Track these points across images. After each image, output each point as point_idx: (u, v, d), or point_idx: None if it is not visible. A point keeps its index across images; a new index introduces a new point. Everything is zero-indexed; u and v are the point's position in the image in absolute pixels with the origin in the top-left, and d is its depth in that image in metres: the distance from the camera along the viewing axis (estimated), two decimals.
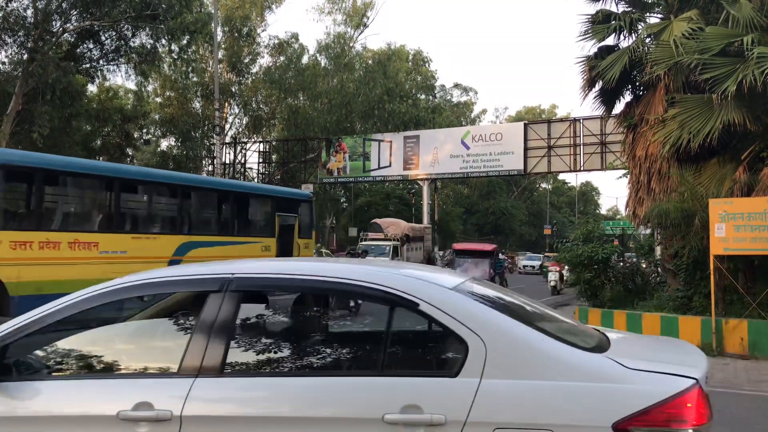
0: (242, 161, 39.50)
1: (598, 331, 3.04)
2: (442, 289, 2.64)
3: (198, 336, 2.62)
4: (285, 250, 16.38)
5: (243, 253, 14.58)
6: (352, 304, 2.93)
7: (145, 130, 39.46)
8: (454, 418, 2.31)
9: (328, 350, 2.75)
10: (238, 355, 2.65)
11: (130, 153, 38.31)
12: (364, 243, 27.86)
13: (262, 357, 2.74)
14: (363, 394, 2.44)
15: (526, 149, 31.17)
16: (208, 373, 2.55)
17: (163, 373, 2.70)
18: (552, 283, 25.27)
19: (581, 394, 2.33)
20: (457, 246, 15.61)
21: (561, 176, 65.76)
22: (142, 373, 2.75)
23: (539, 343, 2.46)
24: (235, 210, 15.88)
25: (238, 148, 39.42)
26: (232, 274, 2.77)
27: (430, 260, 26.39)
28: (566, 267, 25.83)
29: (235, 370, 2.60)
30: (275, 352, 2.76)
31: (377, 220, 30.86)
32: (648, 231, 18.26)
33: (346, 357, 2.71)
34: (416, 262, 25.19)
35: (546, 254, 41.65)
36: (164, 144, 41.15)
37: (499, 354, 2.40)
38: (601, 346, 2.65)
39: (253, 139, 41.12)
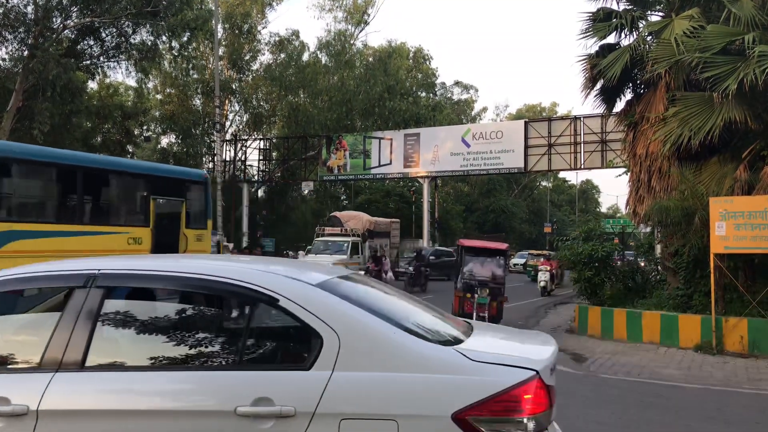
0: (242, 158, 39.50)
1: (468, 323, 3.20)
2: (304, 285, 2.73)
3: (61, 331, 2.67)
4: (165, 243, 13.15)
5: (96, 246, 11.65)
6: (223, 302, 2.98)
7: (145, 127, 39.52)
8: (304, 409, 2.39)
9: (188, 345, 2.78)
10: (99, 350, 2.69)
11: (130, 150, 38.36)
12: (319, 239, 24.36)
13: (122, 352, 2.81)
14: (218, 388, 2.52)
15: (526, 147, 31.17)
16: (69, 368, 2.60)
17: (25, 368, 2.73)
18: (542, 284, 23.48)
19: (425, 386, 2.42)
20: (465, 242, 13.78)
21: (561, 174, 65.75)
22: (4, 369, 2.76)
23: (391, 337, 2.54)
24: (85, 191, 12.44)
25: (239, 145, 39.42)
26: (98, 270, 2.83)
27: (376, 260, 22.02)
28: (556, 266, 24.88)
29: (96, 365, 2.64)
30: (136, 348, 2.84)
31: (337, 213, 27.62)
32: (648, 229, 18.23)
33: (205, 352, 2.74)
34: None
35: (531, 252, 38.11)
36: (164, 141, 41.24)
37: (352, 348, 2.49)
38: (457, 339, 2.75)
39: (253, 137, 41.15)
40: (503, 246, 13.48)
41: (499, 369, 2.46)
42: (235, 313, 2.95)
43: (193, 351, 2.73)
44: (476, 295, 11.53)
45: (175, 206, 13.99)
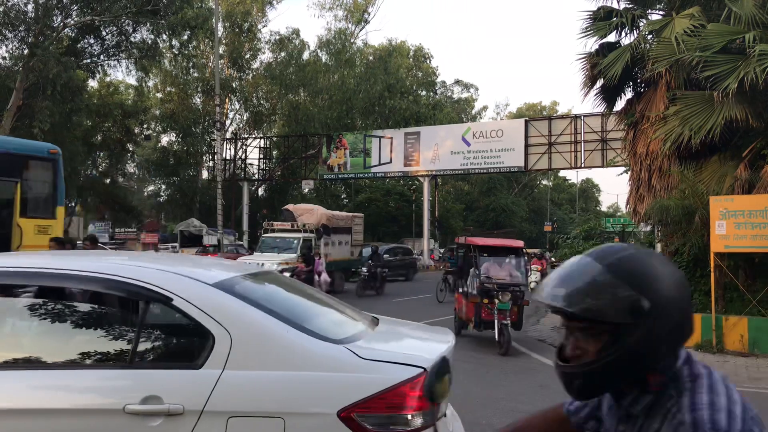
0: (243, 157, 39.50)
1: (375, 318, 3.25)
2: (199, 284, 2.72)
3: None
4: None
5: None
6: (117, 301, 2.94)
7: (145, 126, 39.53)
8: (192, 407, 2.42)
9: (79, 344, 2.77)
10: None
11: (130, 148, 38.37)
12: (267, 236, 21.70)
13: (11, 350, 2.79)
14: (108, 386, 2.55)
15: (526, 146, 31.16)
16: None
17: None
18: (533, 285, 20.92)
19: (312, 384, 2.48)
20: (478, 241, 12.24)
21: (562, 173, 65.85)
22: None
23: (283, 336, 2.58)
24: None
25: (239, 143, 39.43)
26: None
27: (307, 259, 18.52)
28: (546, 265, 24.03)
29: None
30: (26, 346, 2.82)
31: (289, 207, 24.64)
32: (648, 228, 18.22)
33: (97, 350, 2.72)
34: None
35: None
36: (165, 139, 41.28)
37: (244, 347, 2.52)
38: (354, 336, 2.77)
39: (253, 135, 41.15)
40: (520, 244, 12.22)
41: (387, 366, 2.50)
42: (128, 312, 2.91)
43: (84, 349, 2.72)
44: (497, 301, 10.47)
45: (3, 189, 10.77)
